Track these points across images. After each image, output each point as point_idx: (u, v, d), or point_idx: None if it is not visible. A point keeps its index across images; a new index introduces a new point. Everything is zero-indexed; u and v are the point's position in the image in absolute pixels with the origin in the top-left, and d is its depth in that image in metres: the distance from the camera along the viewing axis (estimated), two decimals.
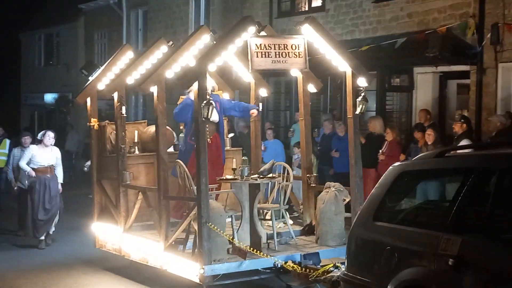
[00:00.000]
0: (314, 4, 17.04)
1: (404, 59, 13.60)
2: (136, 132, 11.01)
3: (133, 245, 10.04)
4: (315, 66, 10.31)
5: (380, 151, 12.63)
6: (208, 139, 9.84)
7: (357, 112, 9.29)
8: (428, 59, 12.80)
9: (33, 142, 13.73)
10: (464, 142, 11.22)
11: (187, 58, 9.51)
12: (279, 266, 8.62)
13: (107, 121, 11.23)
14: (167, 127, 10.18)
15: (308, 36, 9.29)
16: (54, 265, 11.27)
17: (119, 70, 10.75)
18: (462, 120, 11.80)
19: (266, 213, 9.98)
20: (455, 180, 6.20)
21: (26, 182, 12.92)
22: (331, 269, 8.15)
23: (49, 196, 12.41)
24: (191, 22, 21.79)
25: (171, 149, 11.00)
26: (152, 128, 10.90)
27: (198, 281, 8.53)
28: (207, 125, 9.37)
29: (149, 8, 24.06)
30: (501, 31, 12.03)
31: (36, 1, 34.50)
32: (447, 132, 13.17)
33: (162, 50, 10.26)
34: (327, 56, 9.45)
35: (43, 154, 12.41)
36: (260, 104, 11.04)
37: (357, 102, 9.22)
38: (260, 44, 9.04)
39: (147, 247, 9.68)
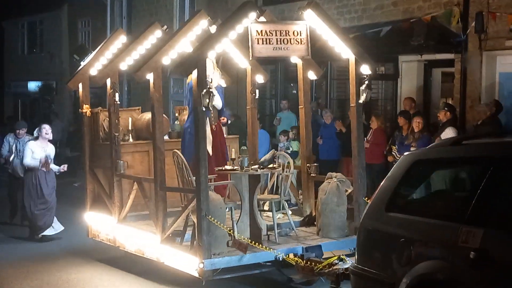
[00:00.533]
0: None
1: (389, 48, 13.49)
2: (130, 119, 10.71)
3: (128, 236, 9.75)
4: None
5: (365, 138, 12.42)
6: (213, 126, 9.57)
7: (361, 100, 9.00)
8: (413, 47, 12.79)
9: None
10: (448, 130, 11.22)
11: (184, 44, 9.23)
12: (280, 259, 8.36)
13: (100, 107, 10.92)
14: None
15: (310, 22, 9.00)
16: (45, 256, 10.99)
17: (112, 55, 10.45)
18: (446, 108, 11.78)
19: (264, 203, 9.70)
20: (474, 169, 5.97)
21: (21, 174, 12.62)
22: (336, 261, 7.90)
23: (47, 189, 12.07)
24: (175, 10, 21.55)
25: (166, 137, 10.70)
26: (146, 115, 10.61)
27: (197, 275, 8.26)
28: (211, 111, 9.08)
29: None
30: (486, 19, 11.95)
31: None
32: (431, 120, 13.10)
33: (156, 35, 9.99)
34: (330, 43, 9.16)
35: (44, 148, 12.11)
36: (257, 91, 10.74)
37: (361, 90, 8.95)
38: (261, 31, 8.70)
39: (143, 239, 9.39)
